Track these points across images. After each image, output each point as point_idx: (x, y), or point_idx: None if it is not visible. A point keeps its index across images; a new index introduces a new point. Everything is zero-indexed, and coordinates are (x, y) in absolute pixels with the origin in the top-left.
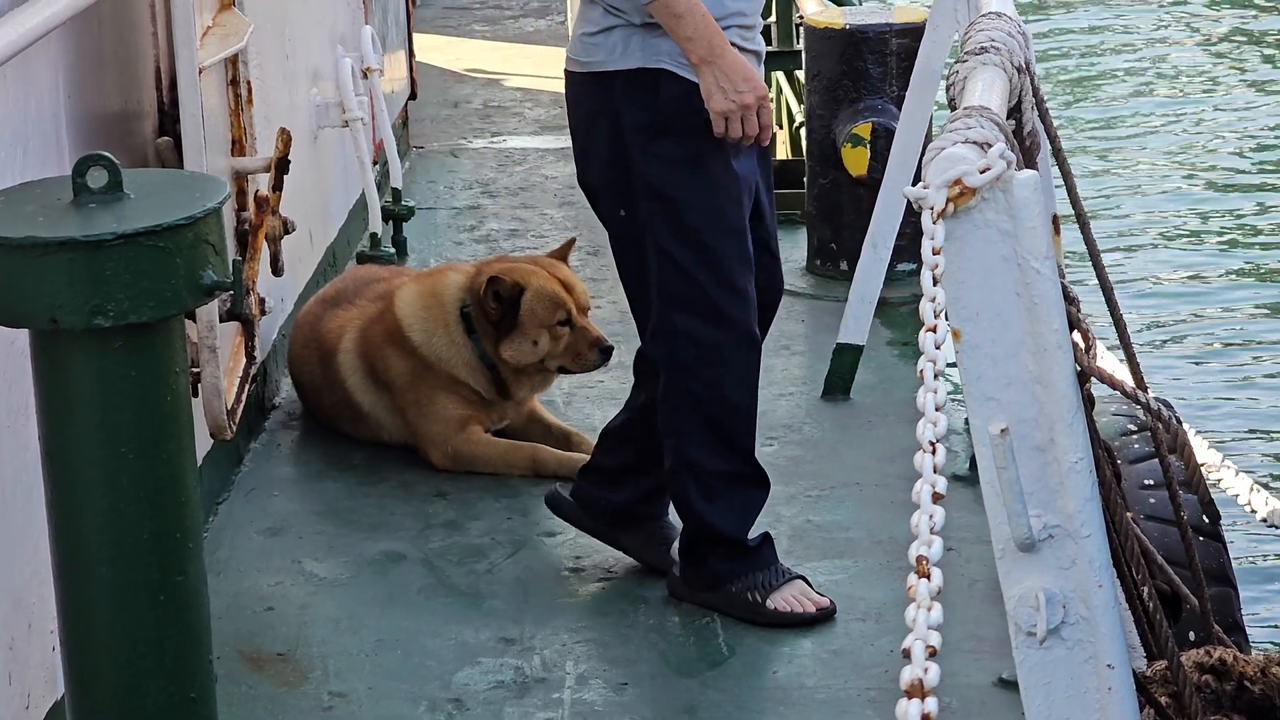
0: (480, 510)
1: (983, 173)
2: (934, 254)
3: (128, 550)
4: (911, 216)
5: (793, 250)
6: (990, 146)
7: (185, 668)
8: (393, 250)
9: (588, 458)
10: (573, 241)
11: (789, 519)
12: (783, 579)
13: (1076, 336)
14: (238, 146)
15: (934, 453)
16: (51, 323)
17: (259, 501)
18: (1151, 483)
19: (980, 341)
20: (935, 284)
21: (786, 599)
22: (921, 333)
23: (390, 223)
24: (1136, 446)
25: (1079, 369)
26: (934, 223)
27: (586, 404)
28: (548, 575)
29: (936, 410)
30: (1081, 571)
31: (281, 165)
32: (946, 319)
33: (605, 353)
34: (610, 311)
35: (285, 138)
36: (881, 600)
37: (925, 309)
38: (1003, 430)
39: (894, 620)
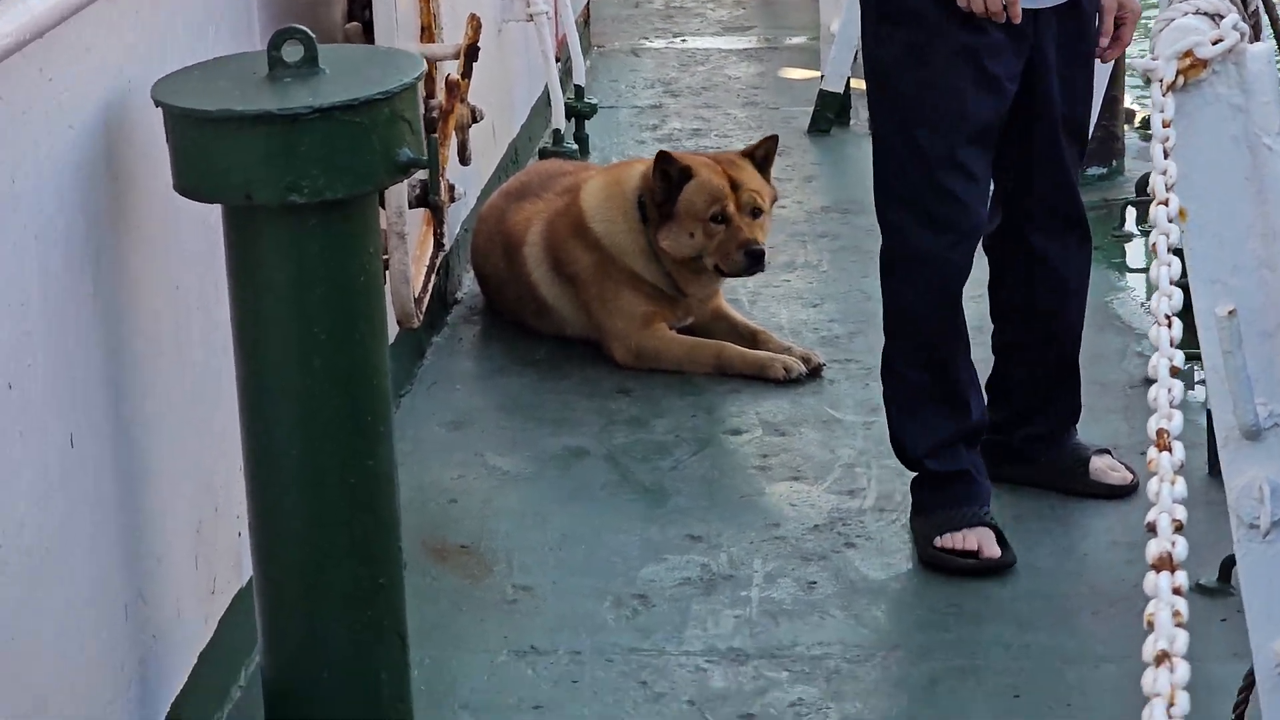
0: (664, 407)
1: (1215, 44)
2: (1164, 127)
3: (318, 432)
4: (1103, 120)
5: None
6: (1222, 17)
7: (374, 553)
8: (575, 147)
9: (774, 356)
10: (773, 140)
11: None
12: (965, 522)
13: None
14: (426, 33)
15: (1169, 326)
16: (246, 199)
17: (441, 395)
18: None
19: (1207, 223)
20: (1166, 157)
21: (956, 541)
22: (1153, 206)
23: (573, 120)
24: None
25: None
26: (1163, 95)
27: (772, 303)
28: (734, 473)
29: (1171, 284)
30: None
31: (471, 52)
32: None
33: (752, 256)
34: (795, 211)
35: (475, 24)
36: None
37: (1157, 182)
38: (1230, 312)
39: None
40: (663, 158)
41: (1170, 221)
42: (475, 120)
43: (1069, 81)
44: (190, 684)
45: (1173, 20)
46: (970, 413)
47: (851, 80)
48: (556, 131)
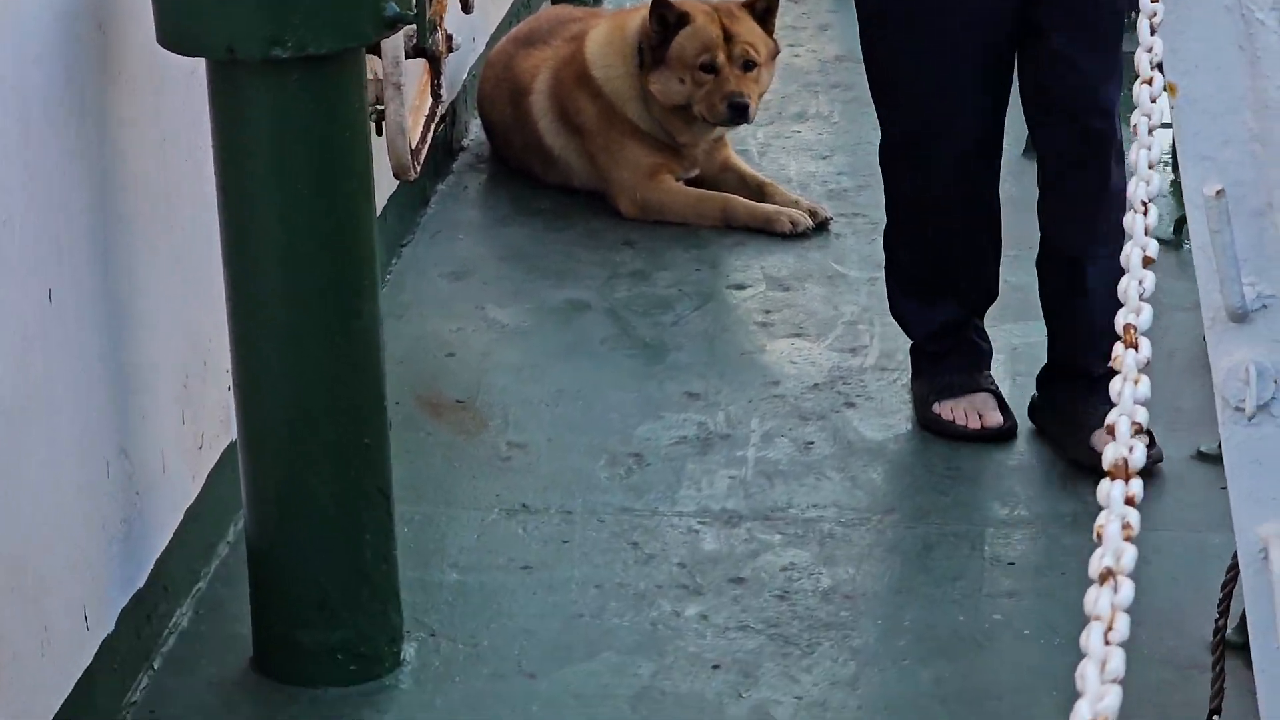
0: (668, 260)
1: None
2: (1152, 1)
3: (302, 291)
4: None
5: None
6: None
7: (359, 412)
8: None
9: (780, 209)
10: None
11: None
12: (964, 388)
13: None
14: None
15: (1145, 213)
16: (228, 53)
17: (443, 244)
18: None
19: (1198, 96)
20: (1153, 33)
21: (956, 409)
22: (1136, 85)
23: None
24: None
25: None
26: None
27: (782, 154)
28: (735, 329)
29: (1150, 168)
30: None
31: None
32: (1163, 72)
33: (735, 108)
34: (809, 61)
35: None
36: None
37: (1141, 59)
38: (1218, 192)
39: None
40: (659, 3)
41: (1153, 101)
42: (449, 45)
43: None
44: (175, 541)
45: None
46: (967, 298)
47: None
48: None
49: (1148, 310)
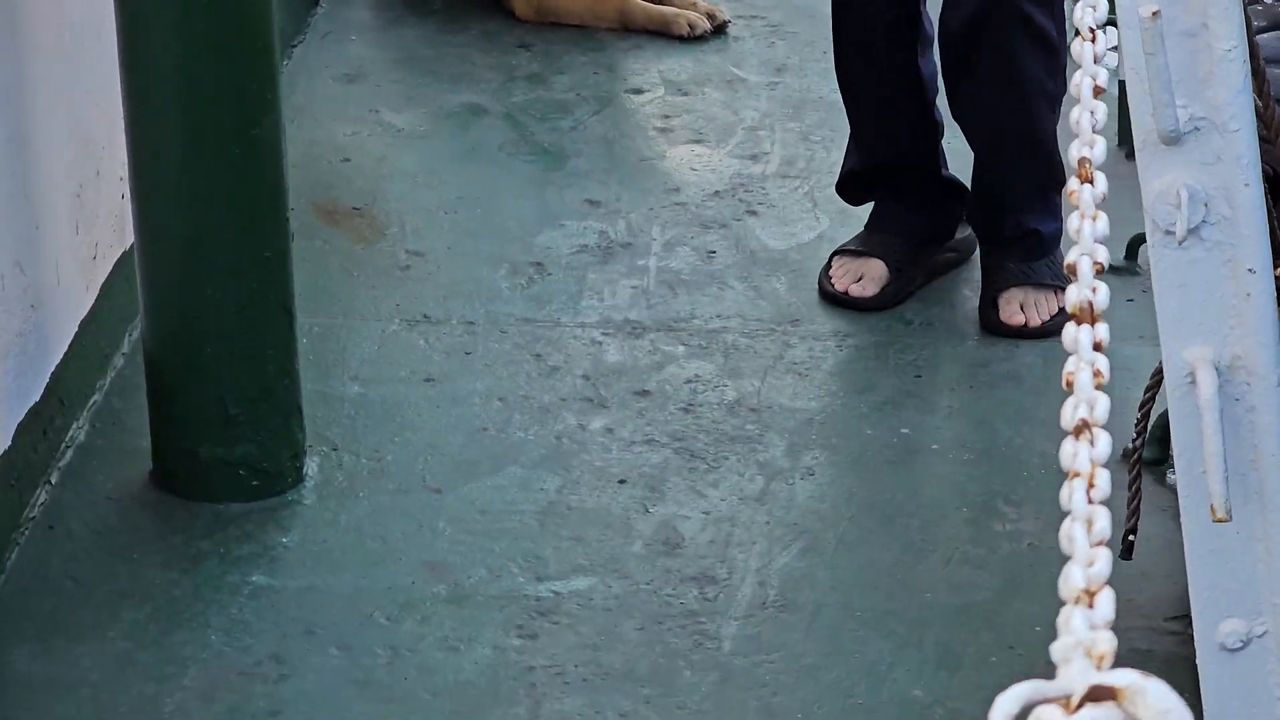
0: (565, 64)
1: None
2: None
3: (201, 97)
4: None
5: None
6: None
7: (260, 225)
8: None
9: (679, 11)
10: None
11: None
12: (858, 248)
13: None
14: None
15: (1093, 40)
16: None
17: (335, 46)
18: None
19: None
20: None
21: (840, 270)
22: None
23: None
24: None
25: None
26: None
27: None
28: (635, 134)
29: None
30: (1227, 168)
31: None
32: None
33: None
34: None
35: None
36: None
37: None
38: (1154, 13)
39: None
40: None
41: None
42: None
43: None
44: (70, 352)
45: None
46: (875, 152)
47: None
48: None
49: (1101, 143)
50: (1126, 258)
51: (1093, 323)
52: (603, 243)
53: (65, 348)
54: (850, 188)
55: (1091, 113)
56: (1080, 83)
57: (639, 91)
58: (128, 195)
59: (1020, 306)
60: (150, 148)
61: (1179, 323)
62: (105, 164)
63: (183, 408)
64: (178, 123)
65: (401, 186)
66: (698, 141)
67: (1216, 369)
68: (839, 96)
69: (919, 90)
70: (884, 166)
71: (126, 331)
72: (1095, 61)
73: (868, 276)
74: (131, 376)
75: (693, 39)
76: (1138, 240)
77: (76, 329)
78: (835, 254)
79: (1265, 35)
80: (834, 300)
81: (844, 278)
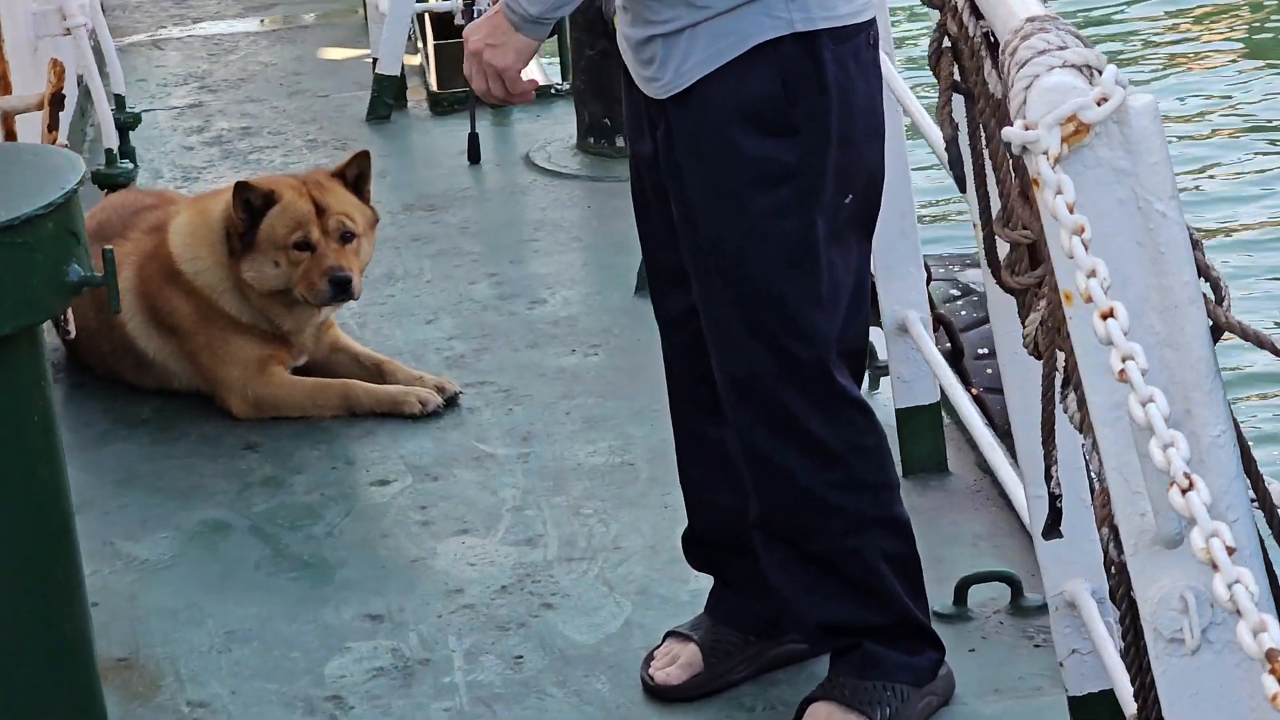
0: (299, 461)
1: (1101, 104)
2: (1070, 212)
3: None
4: None
5: (556, 128)
6: (1098, 70)
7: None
8: (131, 165)
9: (406, 390)
10: (364, 157)
11: (642, 439)
12: (678, 635)
13: (1206, 287)
14: (3, 82)
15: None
16: None
17: None
18: (986, 351)
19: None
20: (1087, 251)
21: (657, 655)
22: (1095, 317)
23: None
24: (964, 313)
25: (1211, 324)
26: (1053, 168)
27: (383, 323)
28: (396, 532)
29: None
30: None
31: (56, 101)
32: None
33: (337, 284)
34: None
35: (59, 70)
36: None
37: (1094, 289)
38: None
39: None
40: (241, 187)
41: (1126, 335)
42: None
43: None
44: None
45: (1039, 77)
46: (689, 518)
47: (406, 60)
48: (109, 151)
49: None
50: (955, 603)
51: None
52: (398, 662)
53: None
54: (687, 551)
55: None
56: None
57: (385, 482)
58: None
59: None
60: None
61: None
62: None
63: None
64: None
65: (163, 626)
66: (464, 532)
67: None
68: (596, 459)
69: (724, 460)
70: (704, 539)
71: None
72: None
73: (680, 662)
74: None
75: (426, 416)
76: (965, 583)
77: None
78: (668, 634)
79: (987, 326)
80: (644, 686)
81: (659, 660)
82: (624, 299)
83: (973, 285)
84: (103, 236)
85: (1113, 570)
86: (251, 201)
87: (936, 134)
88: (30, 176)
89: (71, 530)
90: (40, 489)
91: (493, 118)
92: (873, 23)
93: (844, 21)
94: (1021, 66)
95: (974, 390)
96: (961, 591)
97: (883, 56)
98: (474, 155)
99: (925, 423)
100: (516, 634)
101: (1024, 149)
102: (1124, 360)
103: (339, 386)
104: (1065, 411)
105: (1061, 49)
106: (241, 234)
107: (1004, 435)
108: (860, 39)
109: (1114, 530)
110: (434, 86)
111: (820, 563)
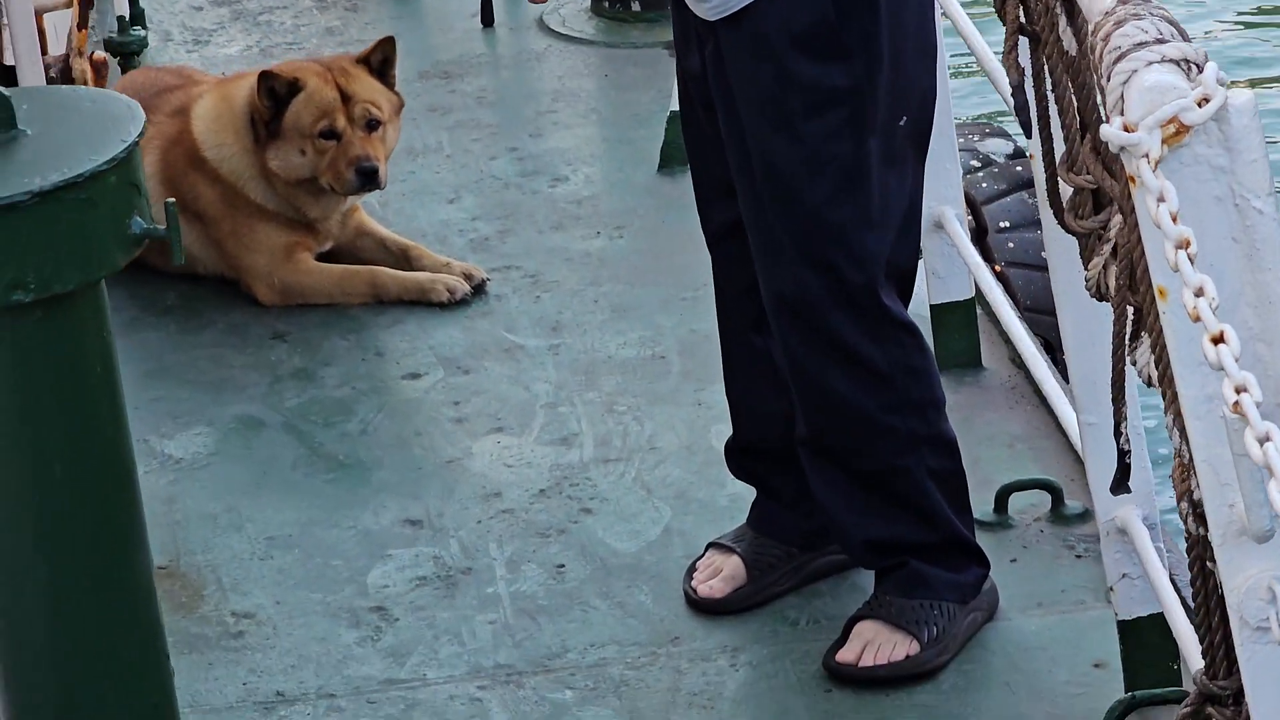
0: (328, 353)
1: (1202, 105)
2: (1174, 222)
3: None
4: None
5: None
6: (1197, 66)
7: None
8: (143, 32)
9: (434, 277)
10: (389, 42)
11: (671, 330)
12: (720, 542)
13: None
14: None
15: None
16: None
17: None
18: (1008, 225)
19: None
20: (1193, 264)
21: (698, 566)
22: (1205, 340)
23: None
24: (985, 185)
25: None
26: (1154, 171)
27: (405, 202)
28: (431, 430)
29: None
30: None
31: (86, 1)
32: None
33: (364, 174)
34: None
35: None
36: None
37: (1203, 308)
38: (1235, 404)
39: None
40: (266, 74)
41: (1238, 362)
42: (97, 72)
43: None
44: None
45: (1135, 72)
46: (734, 428)
47: None
48: (120, 19)
49: None
50: (996, 510)
51: None
52: (440, 571)
53: None
54: (730, 461)
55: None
56: None
57: (416, 376)
58: None
59: (864, 644)
60: (15, 618)
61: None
62: None
63: None
64: (44, 582)
65: (203, 532)
66: (499, 430)
67: None
68: (626, 352)
69: (772, 369)
70: (750, 449)
71: None
72: None
73: (723, 575)
74: None
75: (454, 304)
76: (1005, 491)
77: None
78: (709, 545)
79: (1009, 199)
80: (687, 599)
81: (702, 572)
82: (646, 176)
83: (992, 156)
84: None
85: (1190, 540)
86: (276, 90)
87: (996, 67)
88: (90, 126)
89: (134, 485)
90: (104, 443)
91: None
92: None
93: None
94: (1117, 59)
95: (996, 267)
96: (1002, 499)
97: None
98: (488, 18)
99: (960, 318)
100: (557, 541)
101: (1121, 148)
102: (1238, 392)
103: (366, 274)
104: (1134, 364)
105: (1160, 42)
106: (267, 122)
107: (1028, 311)
108: None
109: (1194, 505)
110: None
111: (869, 481)
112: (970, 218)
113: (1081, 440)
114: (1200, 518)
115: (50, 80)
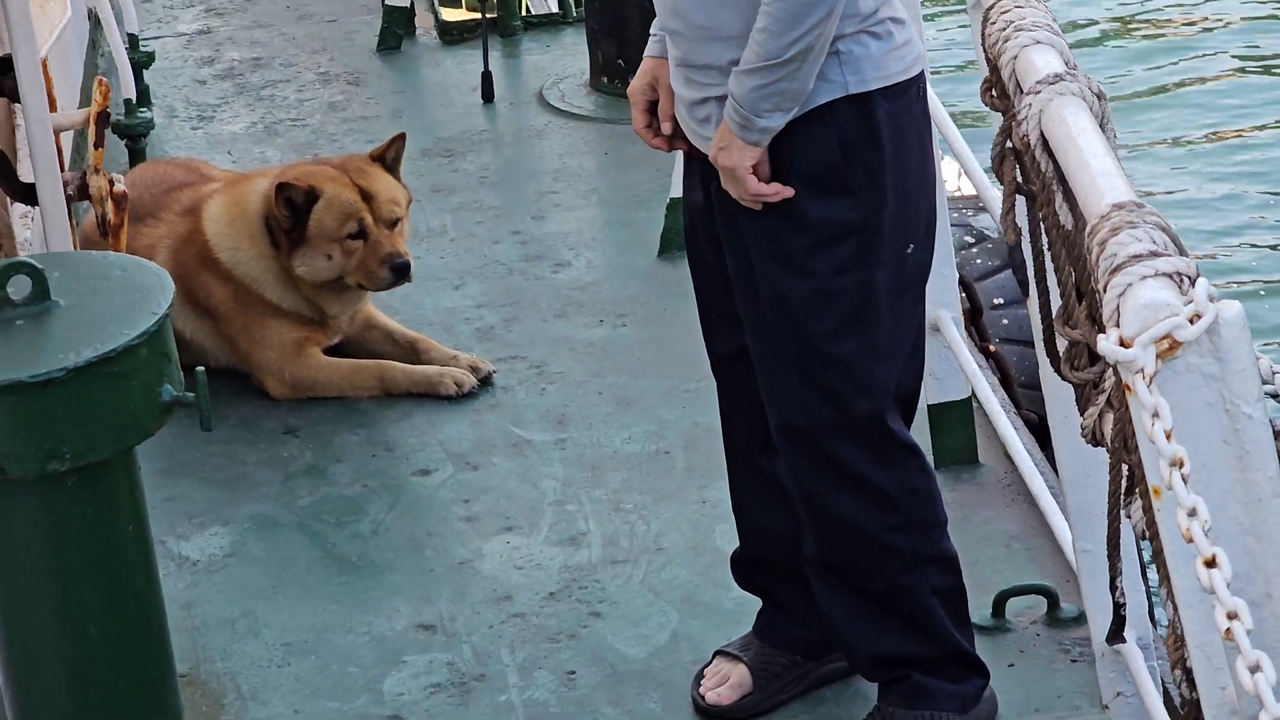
0: (339, 448)
1: (1194, 322)
2: (1168, 440)
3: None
4: None
5: (568, 61)
6: (1189, 278)
7: None
8: (149, 114)
9: (441, 370)
10: (401, 140)
11: (674, 424)
12: (728, 650)
13: None
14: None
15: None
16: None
17: None
18: (1001, 301)
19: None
20: (1186, 485)
21: (708, 672)
22: (1198, 564)
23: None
24: (979, 261)
25: None
26: (1149, 387)
27: (410, 288)
28: (441, 530)
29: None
30: None
31: (103, 119)
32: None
33: (398, 270)
34: None
35: (104, 89)
36: None
37: (1194, 530)
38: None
39: None
40: (283, 187)
41: (1229, 588)
42: (114, 190)
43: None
44: None
45: (1130, 286)
46: (740, 541)
47: None
48: (128, 101)
49: None
50: (994, 615)
51: None
52: (454, 678)
53: None
54: (735, 572)
55: None
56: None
57: (426, 472)
58: None
59: None
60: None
61: None
62: None
63: None
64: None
65: (221, 639)
66: (508, 529)
67: None
68: (631, 447)
69: (778, 489)
70: (756, 562)
71: None
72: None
73: (730, 683)
74: None
75: (461, 397)
76: (1002, 596)
77: None
78: (717, 652)
79: (1002, 275)
80: (695, 706)
81: (710, 680)
82: (647, 262)
83: (986, 231)
84: (134, 217)
85: (1183, 702)
86: (294, 200)
87: (993, 194)
88: (120, 297)
89: (166, 641)
90: (136, 600)
91: (503, 49)
92: (922, 75)
93: (896, 79)
94: (1113, 270)
95: (990, 346)
96: (999, 604)
97: (930, 96)
98: (488, 94)
99: (957, 417)
100: (568, 646)
101: (1115, 363)
102: (1229, 618)
103: (375, 368)
104: (1129, 518)
105: (1154, 255)
106: (287, 230)
107: (1023, 388)
108: (911, 93)
109: (1187, 673)
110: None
111: (874, 599)
112: (964, 296)
113: (1076, 564)
114: (1193, 684)
115: (69, 199)
